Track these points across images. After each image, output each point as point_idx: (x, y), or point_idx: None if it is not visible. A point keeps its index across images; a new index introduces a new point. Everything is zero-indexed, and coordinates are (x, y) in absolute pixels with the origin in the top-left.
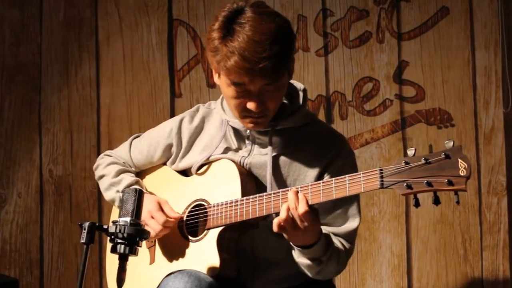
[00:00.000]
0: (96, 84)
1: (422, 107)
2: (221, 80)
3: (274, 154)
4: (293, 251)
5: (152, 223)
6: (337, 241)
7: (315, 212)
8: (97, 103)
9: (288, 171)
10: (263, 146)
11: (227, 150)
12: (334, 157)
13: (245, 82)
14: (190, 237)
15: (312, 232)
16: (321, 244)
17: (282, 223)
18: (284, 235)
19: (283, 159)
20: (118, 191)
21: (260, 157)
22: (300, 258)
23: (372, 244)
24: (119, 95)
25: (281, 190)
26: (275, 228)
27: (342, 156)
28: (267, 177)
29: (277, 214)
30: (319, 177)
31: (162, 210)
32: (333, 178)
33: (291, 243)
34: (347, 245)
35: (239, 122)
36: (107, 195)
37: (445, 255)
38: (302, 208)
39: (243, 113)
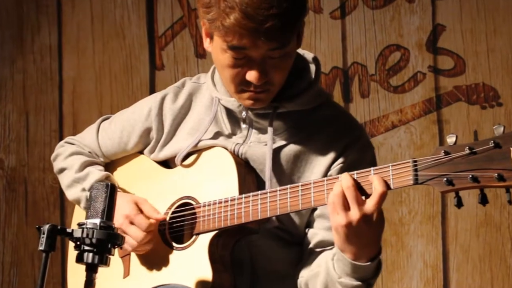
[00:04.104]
0: (57, 53)
1: (462, 82)
2: (214, 45)
3: (275, 144)
4: (332, 268)
5: (133, 231)
6: None
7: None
8: (59, 77)
9: (292, 167)
10: (262, 132)
11: (217, 135)
12: (346, 148)
13: (246, 45)
14: (174, 244)
15: (379, 237)
16: (378, 260)
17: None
18: (340, 236)
19: (286, 151)
20: (84, 189)
21: (257, 146)
22: (346, 278)
23: (400, 252)
24: (86, 67)
25: (289, 186)
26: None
27: (357, 148)
28: (266, 173)
29: (279, 216)
30: (326, 175)
31: (142, 212)
32: (355, 172)
33: (340, 254)
34: None
35: (235, 99)
36: (70, 194)
37: (491, 265)
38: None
39: (241, 86)
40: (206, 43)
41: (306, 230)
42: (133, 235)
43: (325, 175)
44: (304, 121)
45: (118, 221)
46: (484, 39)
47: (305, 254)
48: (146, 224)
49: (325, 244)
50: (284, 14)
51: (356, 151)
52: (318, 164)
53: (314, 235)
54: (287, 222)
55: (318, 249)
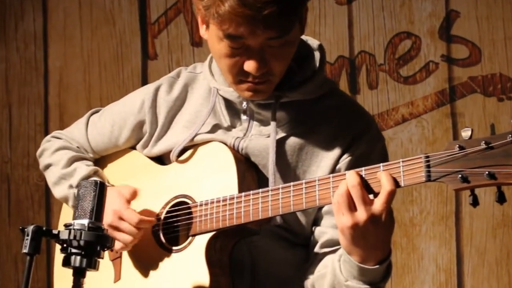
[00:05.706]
0: (43, 41)
1: (477, 73)
2: (210, 33)
3: (278, 135)
4: (338, 270)
5: (126, 227)
6: None
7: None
8: (44, 67)
9: (297, 160)
10: (264, 123)
11: (216, 128)
12: (354, 140)
13: (243, 34)
14: (168, 246)
15: (388, 239)
16: (388, 263)
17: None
18: (346, 238)
19: (290, 143)
20: (71, 186)
21: (259, 139)
22: (353, 281)
23: (411, 254)
24: (74, 56)
25: (292, 183)
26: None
27: (365, 140)
28: (270, 167)
29: (282, 216)
30: (334, 169)
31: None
32: (363, 168)
33: (346, 256)
34: None
35: (233, 90)
36: (57, 191)
37: (508, 269)
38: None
39: (239, 77)
40: (202, 30)
41: (313, 228)
42: (128, 231)
43: (333, 169)
44: (309, 111)
45: (106, 215)
46: (501, 26)
47: (312, 253)
48: (137, 218)
49: (334, 244)
50: (283, 0)
51: (364, 143)
52: (325, 157)
53: (322, 233)
54: (292, 221)
55: (325, 249)
